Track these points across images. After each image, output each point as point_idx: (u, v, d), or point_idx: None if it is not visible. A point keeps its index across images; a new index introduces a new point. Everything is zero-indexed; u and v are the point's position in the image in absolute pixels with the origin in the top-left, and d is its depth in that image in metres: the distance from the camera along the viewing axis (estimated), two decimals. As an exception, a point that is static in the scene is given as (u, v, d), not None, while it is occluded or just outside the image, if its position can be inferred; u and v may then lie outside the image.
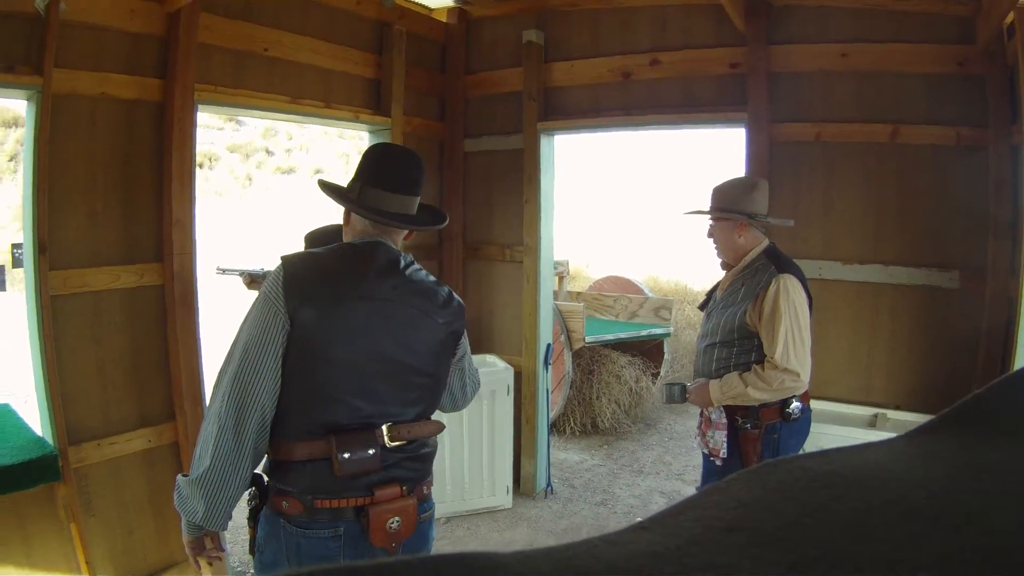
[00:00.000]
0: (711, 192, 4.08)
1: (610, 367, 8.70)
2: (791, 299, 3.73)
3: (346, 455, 2.37)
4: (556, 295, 9.59)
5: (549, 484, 6.64)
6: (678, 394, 4.18)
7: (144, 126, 4.54)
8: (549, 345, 6.59)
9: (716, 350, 3.99)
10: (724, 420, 3.92)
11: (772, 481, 0.55)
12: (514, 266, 6.55)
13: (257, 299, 2.45)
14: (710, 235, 4.10)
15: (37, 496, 3.98)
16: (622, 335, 8.84)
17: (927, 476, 0.54)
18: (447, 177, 6.82)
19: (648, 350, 9.38)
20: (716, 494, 0.54)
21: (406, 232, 2.74)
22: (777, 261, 3.88)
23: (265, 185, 25.94)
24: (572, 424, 8.40)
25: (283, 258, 2.51)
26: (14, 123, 21.24)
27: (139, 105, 4.51)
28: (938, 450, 0.59)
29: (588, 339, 8.24)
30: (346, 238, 2.72)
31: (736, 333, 3.88)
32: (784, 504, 0.51)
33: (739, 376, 3.81)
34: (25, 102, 4.16)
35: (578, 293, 10.48)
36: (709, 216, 4.07)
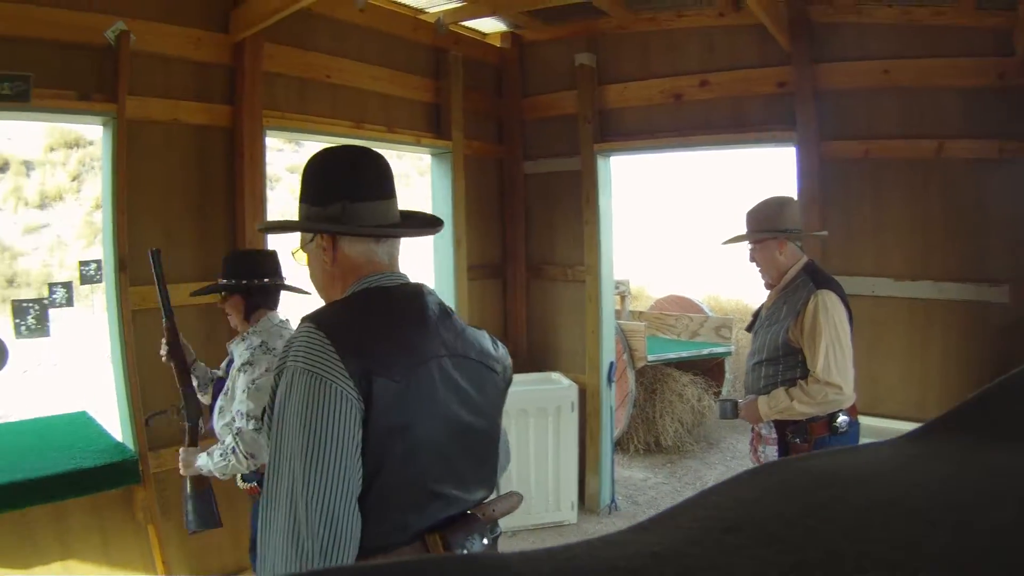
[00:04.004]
0: (745, 217, 4.17)
1: (672, 385, 8.71)
2: (830, 314, 3.80)
3: (464, 552, 1.85)
4: (619, 315, 9.60)
5: (613, 500, 6.67)
6: (730, 410, 4.30)
7: (215, 150, 4.75)
8: (612, 363, 6.64)
9: (763, 367, 4.07)
10: (774, 435, 4.02)
11: (773, 482, 0.55)
12: (576, 285, 6.63)
13: (291, 382, 1.78)
14: (752, 259, 4.18)
15: (116, 498, 4.18)
16: (683, 354, 8.88)
17: (928, 476, 0.54)
18: (508, 199, 6.96)
19: (710, 369, 9.37)
20: (716, 495, 0.54)
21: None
22: (816, 277, 3.95)
23: None
24: (636, 442, 8.40)
25: (312, 319, 1.89)
26: (76, 144, 21.72)
27: (210, 130, 4.71)
28: (939, 450, 0.59)
29: (650, 358, 8.28)
30: (336, 282, 2.10)
31: (781, 350, 3.96)
32: (785, 504, 0.50)
33: (785, 391, 3.88)
34: (100, 127, 4.40)
35: (640, 312, 10.49)
36: (748, 241, 4.16)
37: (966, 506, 0.47)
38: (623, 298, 10.10)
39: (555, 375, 6.60)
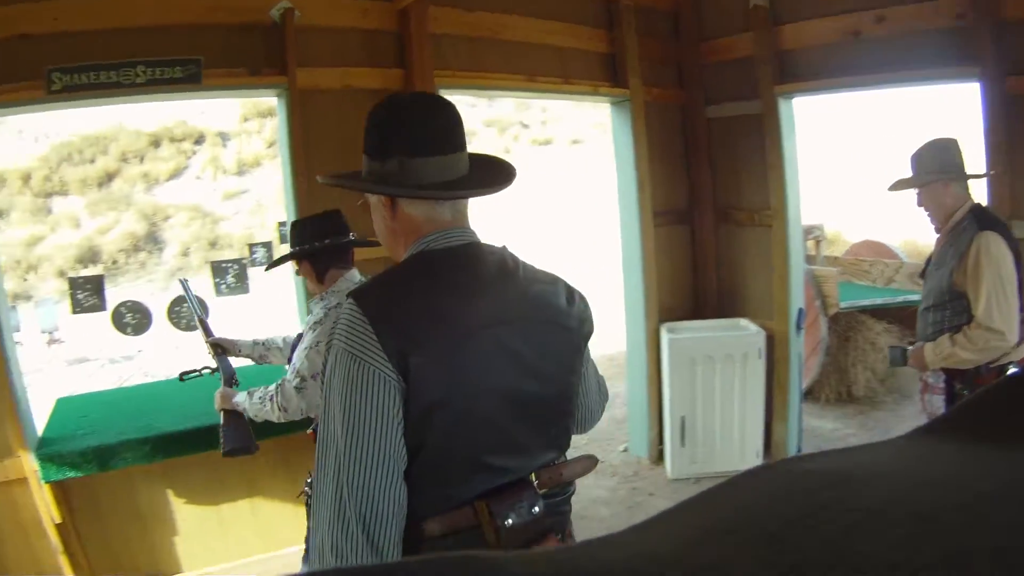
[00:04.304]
0: (910, 161, 4.11)
1: (866, 334, 8.37)
2: (993, 256, 3.70)
3: (509, 521, 1.84)
4: (813, 260, 9.39)
5: (799, 451, 6.48)
6: (899, 357, 4.22)
7: None
8: (801, 309, 6.47)
9: (931, 313, 4.02)
10: (942, 384, 3.96)
11: (772, 482, 0.56)
12: (763, 230, 6.50)
13: (335, 362, 1.79)
14: (920, 204, 4.10)
15: (303, 440, 4.34)
16: (877, 301, 8.51)
17: (928, 477, 0.54)
18: (692, 144, 6.86)
19: (904, 317, 8.90)
20: (717, 495, 0.55)
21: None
22: (980, 219, 3.86)
23: (523, 157, 26.35)
24: (827, 391, 8.18)
25: (355, 295, 1.85)
26: (270, 113, 22.80)
27: (384, 94, 4.78)
28: (939, 451, 0.59)
29: (843, 305, 8.00)
30: (399, 240, 2.02)
31: (947, 295, 3.88)
32: (784, 505, 0.51)
33: (949, 337, 3.81)
34: (276, 99, 4.70)
35: (835, 258, 10.12)
36: (913, 186, 4.10)
37: (966, 507, 0.47)
38: (817, 243, 9.82)
39: (743, 321, 6.53)
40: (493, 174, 2.06)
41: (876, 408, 8.04)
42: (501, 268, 1.96)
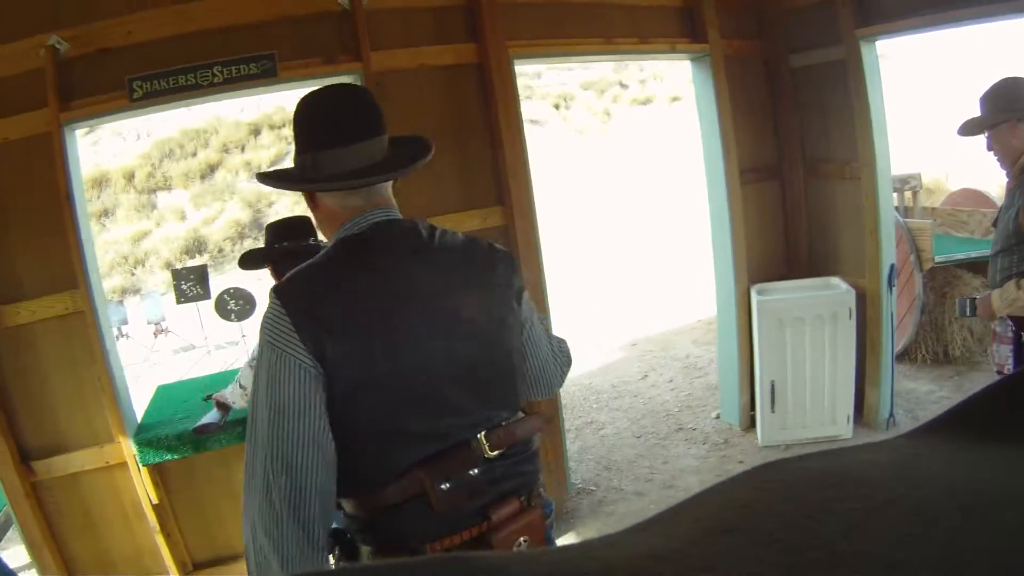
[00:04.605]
0: (978, 104, 3.92)
1: (963, 289, 7.80)
2: None
3: (445, 485, 1.89)
4: (911, 212, 8.99)
5: (892, 415, 6.29)
6: (968, 307, 4.09)
7: (467, 85, 4.96)
8: (892, 265, 6.21)
9: (1000, 259, 3.85)
10: (1010, 334, 3.80)
11: (771, 482, 0.55)
12: (852, 183, 6.21)
13: (260, 353, 1.90)
14: (989, 148, 3.92)
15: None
16: (972, 254, 7.87)
17: (927, 476, 0.54)
18: (776, 96, 6.63)
19: (1005, 271, 8.50)
20: (716, 495, 0.55)
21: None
22: None
23: (623, 118, 26.17)
24: (923, 351, 7.79)
25: (276, 288, 1.94)
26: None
27: (459, 69, 4.94)
28: (938, 450, 0.59)
29: (938, 259, 7.59)
30: (326, 229, 2.17)
31: (1013, 238, 3.71)
32: (784, 505, 0.51)
33: (1016, 282, 3.63)
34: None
35: (932, 209, 9.52)
36: (981, 128, 3.91)
37: (966, 507, 0.48)
38: (914, 194, 9.36)
39: (834, 280, 6.31)
40: (407, 155, 2.11)
41: (973, 369, 7.62)
42: (415, 242, 2.05)
